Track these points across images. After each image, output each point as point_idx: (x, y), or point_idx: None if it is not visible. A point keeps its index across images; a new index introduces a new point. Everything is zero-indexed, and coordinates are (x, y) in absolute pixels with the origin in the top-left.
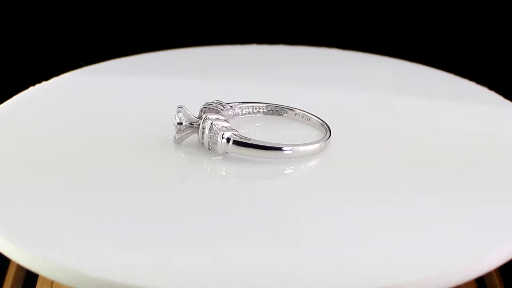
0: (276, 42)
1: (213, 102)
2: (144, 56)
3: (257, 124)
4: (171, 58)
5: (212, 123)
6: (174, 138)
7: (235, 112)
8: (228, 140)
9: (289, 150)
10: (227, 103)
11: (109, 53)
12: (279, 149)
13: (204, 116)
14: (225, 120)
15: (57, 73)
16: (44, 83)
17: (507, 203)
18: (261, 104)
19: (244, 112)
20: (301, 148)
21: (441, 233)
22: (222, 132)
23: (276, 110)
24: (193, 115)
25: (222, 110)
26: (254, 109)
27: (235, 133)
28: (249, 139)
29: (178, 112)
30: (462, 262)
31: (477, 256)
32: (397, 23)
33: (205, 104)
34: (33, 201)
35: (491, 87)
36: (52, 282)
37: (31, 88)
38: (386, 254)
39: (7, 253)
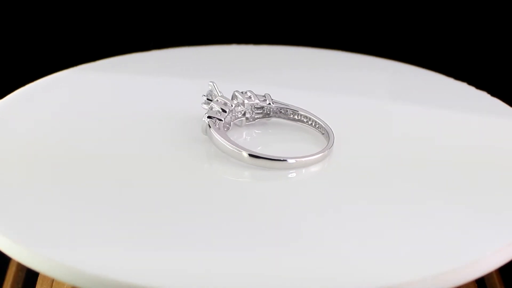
0: (273, 42)
1: (243, 91)
2: (141, 54)
3: (260, 131)
4: (174, 56)
5: (211, 104)
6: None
7: (256, 111)
8: (208, 117)
9: (293, 161)
10: (271, 102)
11: (112, 50)
12: (284, 160)
13: (216, 99)
14: (232, 107)
15: (57, 70)
16: (43, 79)
17: (506, 205)
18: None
19: (257, 111)
20: (304, 159)
21: (441, 235)
22: (206, 114)
23: (285, 112)
24: (219, 93)
25: (241, 101)
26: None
27: (219, 118)
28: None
29: (209, 87)
30: (462, 264)
31: (477, 258)
32: (396, 25)
33: (236, 91)
34: (33, 199)
35: (490, 91)
36: (52, 282)
37: (30, 84)
38: (388, 255)
39: (8, 252)
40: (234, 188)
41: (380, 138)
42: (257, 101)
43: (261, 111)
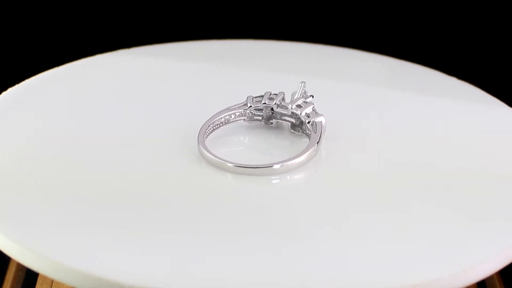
0: (272, 38)
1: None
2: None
3: (253, 133)
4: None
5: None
6: None
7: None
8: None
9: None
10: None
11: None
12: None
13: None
14: (272, 104)
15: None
16: (39, 76)
17: (506, 207)
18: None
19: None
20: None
21: (441, 239)
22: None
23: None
24: (298, 92)
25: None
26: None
27: (247, 114)
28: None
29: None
30: (463, 267)
31: (477, 261)
32: (394, 22)
33: (300, 94)
34: (33, 199)
35: (489, 90)
36: (52, 282)
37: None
38: (388, 259)
39: (7, 252)
40: (224, 192)
41: (374, 137)
42: (299, 112)
43: (313, 126)
